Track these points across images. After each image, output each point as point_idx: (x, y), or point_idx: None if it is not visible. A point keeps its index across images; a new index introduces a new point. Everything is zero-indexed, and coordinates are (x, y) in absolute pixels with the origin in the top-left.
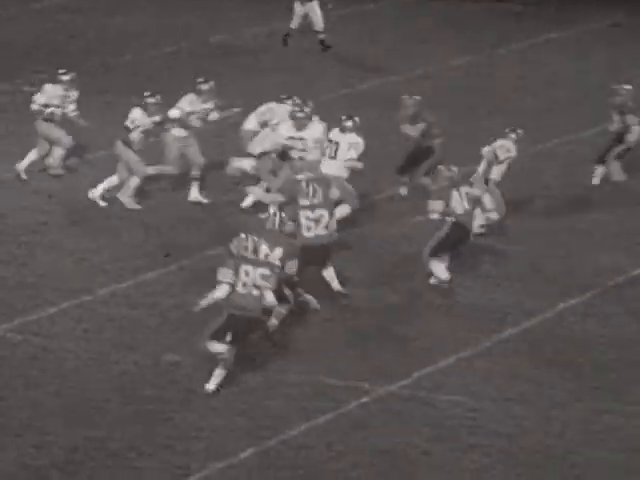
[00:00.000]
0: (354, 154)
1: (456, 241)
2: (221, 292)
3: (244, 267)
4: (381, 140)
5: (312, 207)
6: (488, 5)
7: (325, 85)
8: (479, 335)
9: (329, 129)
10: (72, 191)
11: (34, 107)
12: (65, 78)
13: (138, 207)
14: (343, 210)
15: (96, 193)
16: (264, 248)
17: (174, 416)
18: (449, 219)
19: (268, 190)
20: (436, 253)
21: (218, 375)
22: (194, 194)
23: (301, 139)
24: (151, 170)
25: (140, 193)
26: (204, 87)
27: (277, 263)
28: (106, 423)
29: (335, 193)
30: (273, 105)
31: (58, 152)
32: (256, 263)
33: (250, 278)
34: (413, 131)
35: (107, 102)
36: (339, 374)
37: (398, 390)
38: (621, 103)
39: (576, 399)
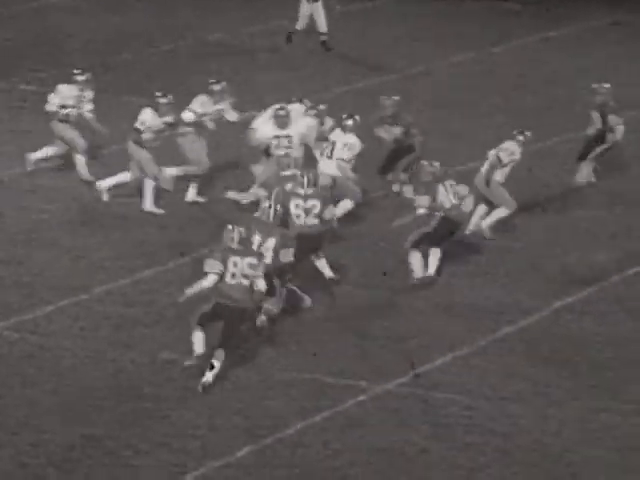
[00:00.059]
0: (346, 155)
1: (445, 235)
2: (208, 282)
3: (232, 259)
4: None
5: (305, 197)
6: (488, 3)
7: (324, 83)
8: (475, 333)
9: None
10: (69, 190)
11: (49, 108)
12: (80, 78)
13: (161, 211)
14: (346, 205)
15: (103, 185)
16: (257, 238)
17: (171, 414)
18: (437, 214)
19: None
20: (418, 245)
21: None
22: (191, 195)
23: (287, 136)
24: (177, 171)
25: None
26: (216, 88)
27: (269, 252)
28: (103, 421)
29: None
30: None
31: (80, 161)
32: (243, 253)
33: (238, 269)
34: (387, 134)
35: (105, 101)
36: (336, 372)
37: (395, 388)
38: (602, 102)
39: (572, 397)
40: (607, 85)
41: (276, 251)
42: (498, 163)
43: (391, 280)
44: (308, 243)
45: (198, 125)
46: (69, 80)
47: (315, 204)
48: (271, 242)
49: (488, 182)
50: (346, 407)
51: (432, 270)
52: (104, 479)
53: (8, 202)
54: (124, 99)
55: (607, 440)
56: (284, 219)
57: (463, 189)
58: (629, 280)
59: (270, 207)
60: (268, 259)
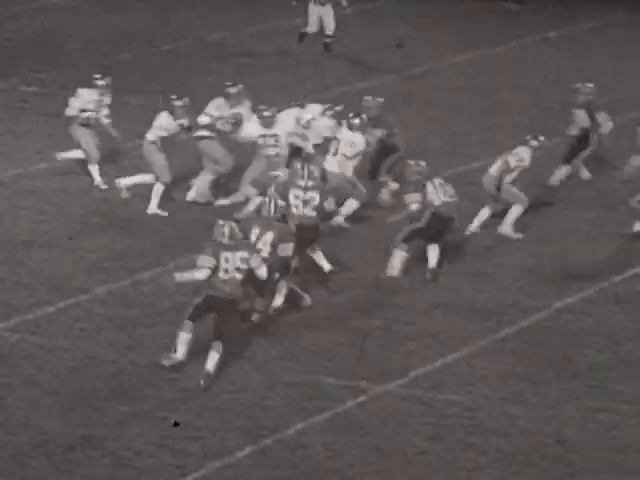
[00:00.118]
0: (349, 152)
1: (437, 231)
2: (201, 275)
3: (223, 254)
4: None
5: (305, 189)
6: (488, 3)
7: (324, 83)
8: (476, 334)
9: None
10: (69, 191)
11: (70, 112)
12: (101, 83)
13: (165, 214)
14: (351, 205)
15: (123, 182)
16: (256, 231)
17: (171, 415)
18: (427, 211)
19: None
20: (409, 240)
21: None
22: (192, 194)
23: (273, 135)
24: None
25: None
26: (232, 90)
27: (266, 246)
28: (103, 422)
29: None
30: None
31: (95, 170)
32: (234, 248)
33: (230, 264)
34: (370, 137)
35: None
36: (336, 373)
37: (395, 389)
38: (586, 101)
39: (573, 398)
40: (590, 85)
41: (274, 245)
42: (507, 167)
43: (391, 281)
44: (305, 234)
45: (213, 128)
46: (70, 81)
47: (314, 196)
48: (269, 236)
49: (499, 187)
50: (346, 408)
51: (433, 263)
52: None
53: (8, 203)
54: (124, 99)
55: (607, 440)
56: (284, 214)
57: (451, 188)
58: (629, 280)
59: (270, 202)
60: (265, 253)
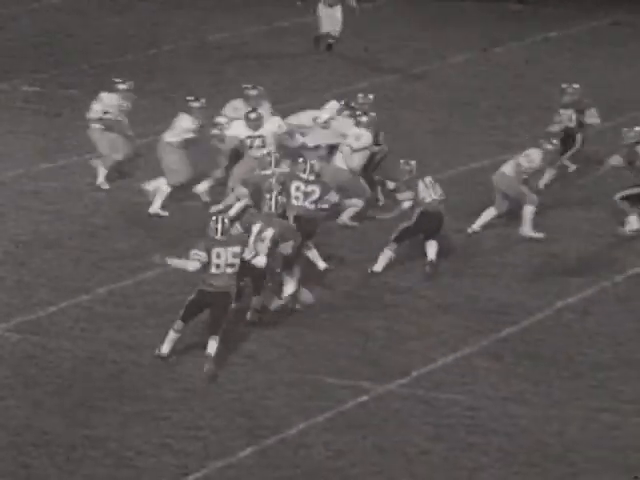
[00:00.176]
0: (354, 145)
1: (429, 229)
2: (192, 266)
3: (215, 250)
4: None
5: (306, 182)
6: (488, 3)
7: (324, 83)
8: (477, 333)
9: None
10: (70, 191)
11: (93, 115)
12: (122, 87)
13: (166, 214)
14: (356, 204)
15: (150, 186)
16: (257, 226)
17: (172, 415)
18: (417, 209)
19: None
20: (402, 239)
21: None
22: (201, 187)
23: (259, 137)
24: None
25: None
26: (252, 93)
27: (266, 242)
28: (105, 422)
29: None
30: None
31: (102, 172)
32: (226, 244)
33: (222, 260)
34: None
35: None
36: (338, 373)
37: (396, 389)
38: (572, 102)
39: (574, 398)
40: (576, 85)
41: (274, 241)
42: (518, 168)
43: (392, 281)
44: (304, 226)
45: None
46: (71, 81)
47: (314, 190)
48: (270, 232)
49: (514, 188)
50: (348, 407)
51: (432, 256)
52: None
53: (10, 203)
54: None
55: (608, 440)
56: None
57: (439, 188)
58: (630, 280)
59: (271, 198)
60: (264, 249)
